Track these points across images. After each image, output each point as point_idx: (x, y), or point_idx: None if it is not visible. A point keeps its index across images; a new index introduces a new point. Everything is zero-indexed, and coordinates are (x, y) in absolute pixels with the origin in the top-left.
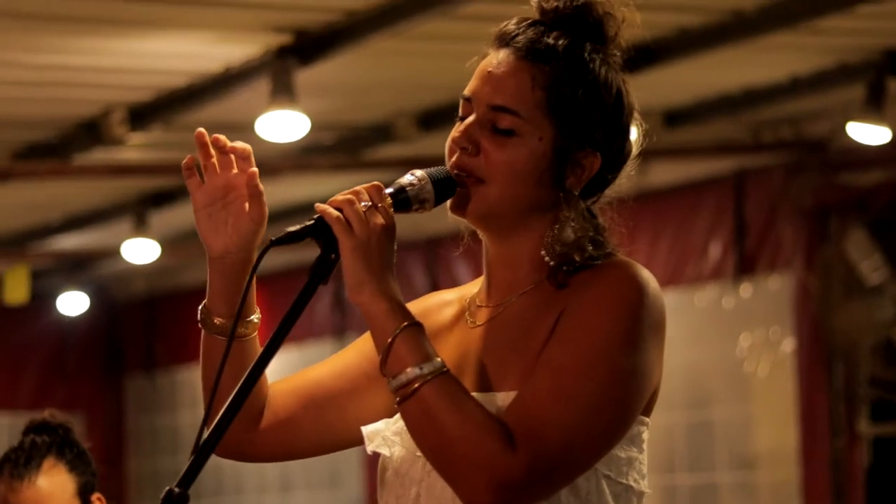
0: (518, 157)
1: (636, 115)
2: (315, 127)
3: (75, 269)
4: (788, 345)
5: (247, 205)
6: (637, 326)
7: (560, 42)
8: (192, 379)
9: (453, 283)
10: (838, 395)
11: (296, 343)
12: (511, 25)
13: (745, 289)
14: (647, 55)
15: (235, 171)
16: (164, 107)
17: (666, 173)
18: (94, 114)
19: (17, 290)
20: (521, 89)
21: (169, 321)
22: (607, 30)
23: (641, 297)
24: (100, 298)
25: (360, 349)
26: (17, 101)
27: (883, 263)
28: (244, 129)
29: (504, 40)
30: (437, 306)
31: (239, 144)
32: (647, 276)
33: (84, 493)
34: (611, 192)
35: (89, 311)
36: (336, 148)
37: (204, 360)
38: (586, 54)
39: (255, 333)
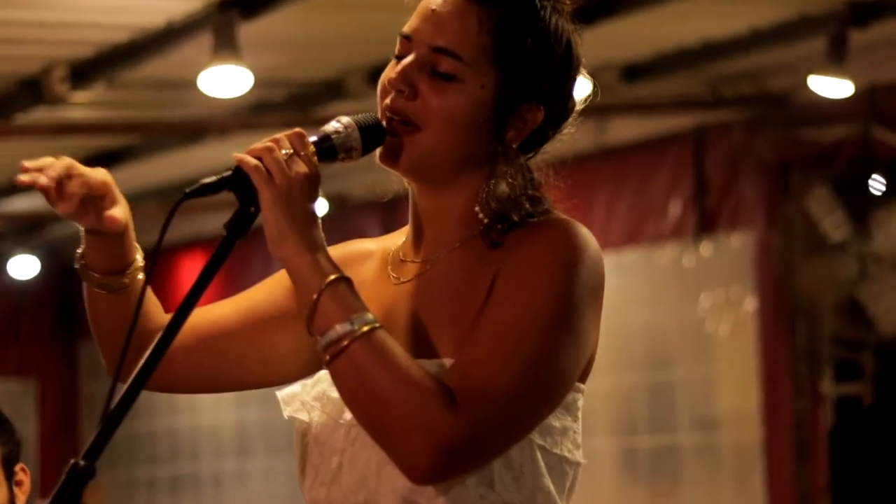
0: (457, 104)
1: (583, 69)
2: (264, 84)
3: (25, 232)
4: (750, 304)
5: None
6: (576, 288)
7: None
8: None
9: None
10: (801, 355)
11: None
12: None
13: (706, 247)
14: (605, 7)
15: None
16: (105, 63)
17: (625, 130)
18: (34, 71)
19: None
20: (466, 32)
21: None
22: None
23: (581, 257)
24: (51, 262)
25: (265, 289)
26: None
27: (846, 220)
28: (188, 85)
29: None
30: (357, 256)
31: (39, 164)
32: (587, 235)
33: (7, 464)
34: (549, 148)
35: (41, 275)
36: (286, 105)
37: (89, 312)
38: (535, 1)
39: (141, 275)
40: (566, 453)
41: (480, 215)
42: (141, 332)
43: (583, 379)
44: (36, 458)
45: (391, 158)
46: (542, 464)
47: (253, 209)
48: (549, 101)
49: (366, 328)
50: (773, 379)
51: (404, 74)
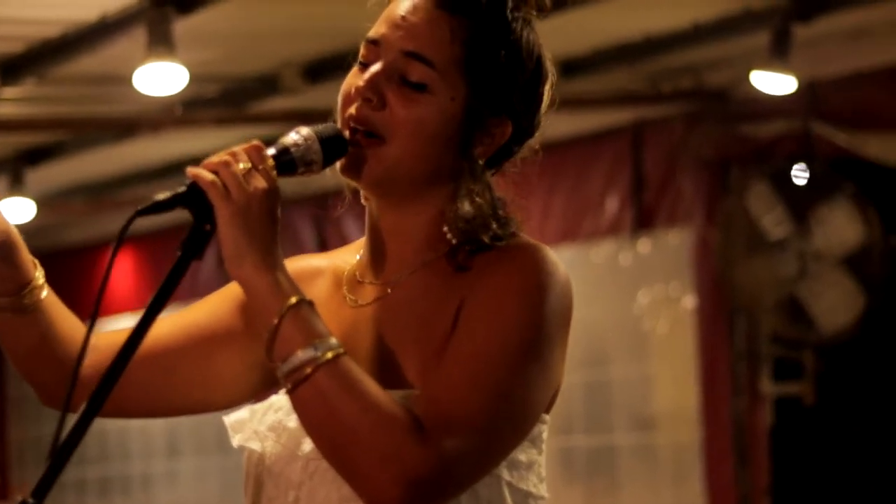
0: (427, 117)
1: (550, 84)
2: (197, 79)
3: None
4: (688, 301)
5: None
6: (546, 317)
7: None
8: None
9: (343, 241)
10: (740, 354)
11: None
12: None
13: (644, 244)
14: (539, 4)
15: None
16: (36, 58)
17: (562, 124)
18: None
19: None
20: (438, 40)
21: (50, 280)
22: None
23: (551, 285)
24: None
25: (210, 307)
26: None
27: (786, 217)
28: (121, 81)
29: None
30: (307, 274)
31: None
32: (555, 262)
33: None
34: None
35: None
36: (219, 101)
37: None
38: (509, 12)
39: (46, 292)
40: (532, 488)
41: (448, 235)
42: (58, 351)
43: (548, 410)
44: None
45: (354, 171)
46: (509, 500)
47: (209, 227)
48: (518, 116)
49: (330, 354)
50: (711, 378)
51: (372, 82)
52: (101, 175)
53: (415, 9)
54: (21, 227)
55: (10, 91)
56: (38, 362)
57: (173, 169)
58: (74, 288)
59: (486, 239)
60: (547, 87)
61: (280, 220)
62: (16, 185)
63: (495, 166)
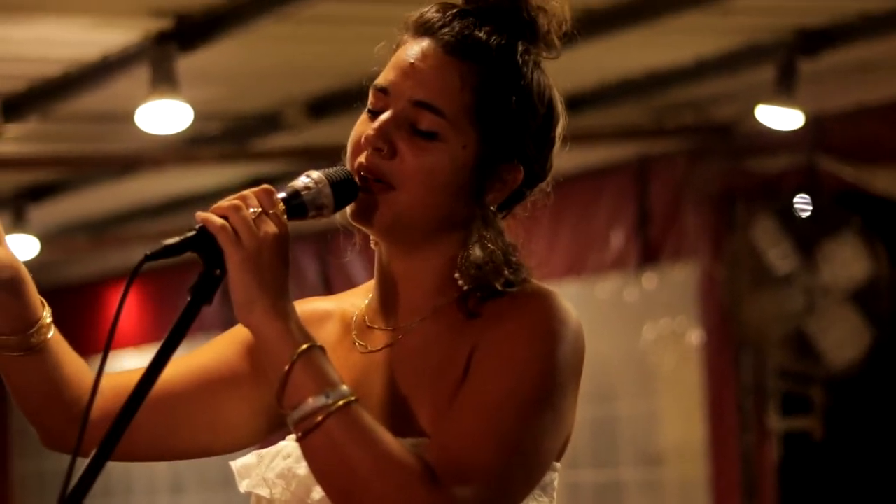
0: (438, 165)
1: (562, 126)
2: (200, 116)
3: None
4: (695, 337)
5: None
6: (558, 365)
7: (493, 39)
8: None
9: (347, 279)
10: (747, 389)
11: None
12: (434, 13)
13: (649, 279)
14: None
15: None
16: (38, 97)
17: (566, 159)
18: None
19: None
20: (448, 87)
21: (56, 315)
22: (539, 27)
23: (563, 333)
24: None
25: (217, 350)
26: None
27: (792, 252)
28: (124, 119)
29: (427, 29)
30: (315, 319)
31: None
32: (568, 310)
33: None
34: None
35: None
36: (222, 138)
37: (4, 380)
38: (519, 56)
39: (53, 332)
40: None
41: (460, 282)
42: (63, 393)
43: (559, 458)
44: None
45: (365, 218)
46: None
47: (219, 272)
48: (530, 161)
49: (342, 402)
50: (718, 413)
51: (382, 131)
52: (103, 211)
53: (424, 55)
54: (27, 263)
55: (13, 129)
56: (42, 403)
57: (176, 205)
58: (78, 324)
59: (497, 286)
60: (559, 130)
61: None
62: (18, 222)
63: (506, 210)
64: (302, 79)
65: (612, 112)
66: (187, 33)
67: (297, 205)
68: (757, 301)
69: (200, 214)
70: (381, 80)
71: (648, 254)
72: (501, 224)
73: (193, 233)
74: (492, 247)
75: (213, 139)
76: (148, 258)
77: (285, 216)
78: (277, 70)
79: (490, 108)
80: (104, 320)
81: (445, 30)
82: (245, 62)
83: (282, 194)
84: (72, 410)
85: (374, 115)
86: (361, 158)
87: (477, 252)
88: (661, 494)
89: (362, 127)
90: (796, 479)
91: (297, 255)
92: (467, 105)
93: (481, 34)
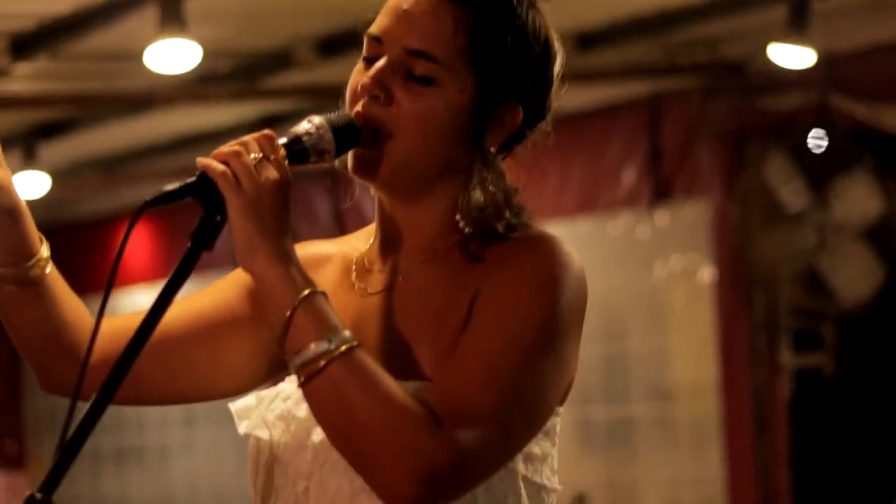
0: (435, 110)
1: (559, 64)
2: (209, 54)
3: None
4: (706, 274)
5: None
6: (560, 310)
7: None
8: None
9: (360, 217)
10: (759, 326)
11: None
12: None
13: (661, 216)
14: None
15: None
16: (48, 35)
17: (578, 97)
18: None
19: None
20: (441, 32)
21: (66, 253)
22: None
23: (565, 278)
24: None
25: (218, 292)
26: None
27: (804, 189)
28: (133, 57)
29: None
30: (316, 261)
31: None
32: (570, 254)
33: None
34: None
35: None
36: (233, 76)
37: (3, 319)
38: None
39: (50, 267)
40: (545, 481)
41: (461, 224)
42: (63, 334)
43: (562, 402)
44: None
45: (366, 172)
46: (524, 493)
47: (219, 218)
48: (528, 100)
49: (344, 347)
50: (730, 350)
51: (378, 79)
52: (114, 149)
53: (416, 0)
54: (36, 201)
55: (23, 67)
56: (41, 346)
57: (188, 142)
58: (89, 260)
59: (499, 228)
60: (556, 69)
61: (292, 208)
62: (29, 160)
63: (507, 151)
64: (311, 17)
65: (623, 50)
66: None
67: (299, 150)
68: (769, 238)
69: (201, 160)
70: (374, 28)
71: (660, 191)
72: (502, 166)
73: (194, 179)
74: (493, 189)
75: (224, 77)
76: (147, 204)
77: (286, 161)
78: (286, 8)
79: (485, 50)
80: (113, 257)
81: None
82: (254, 0)
83: (283, 140)
84: (71, 354)
85: (369, 62)
86: (359, 107)
87: (478, 194)
88: (672, 431)
89: (359, 75)
90: (807, 416)
91: (308, 194)
92: (462, 48)
93: None
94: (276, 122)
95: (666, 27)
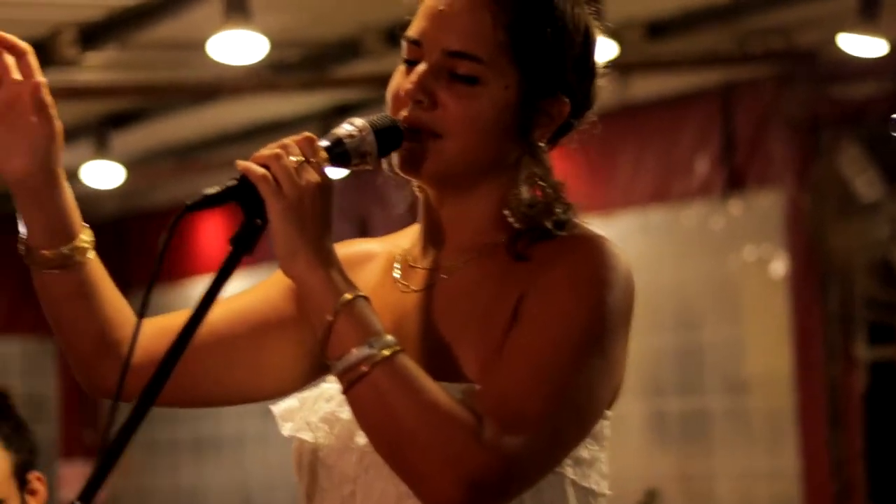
0: (482, 109)
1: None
2: (278, 44)
3: None
4: (781, 264)
5: (34, 119)
6: (609, 312)
7: None
8: (166, 300)
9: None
10: (833, 318)
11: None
12: None
13: (735, 206)
14: None
15: (16, 77)
16: (115, 26)
17: (650, 86)
18: (42, 35)
19: None
20: (480, 30)
21: (142, 242)
22: None
23: (614, 279)
24: None
25: (262, 292)
26: None
27: (878, 180)
28: (200, 46)
29: None
30: (359, 258)
31: (13, 40)
32: (618, 255)
33: (21, 473)
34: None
35: None
36: (302, 65)
37: (45, 307)
38: None
39: (92, 253)
40: (594, 485)
41: (510, 219)
42: (106, 336)
43: (610, 406)
44: (56, 417)
45: (413, 167)
46: (572, 498)
47: (260, 221)
48: (573, 91)
49: (386, 352)
50: (805, 342)
51: (421, 84)
52: (186, 138)
53: (452, 0)
54: (110, 191)
55: (92, 57)
56: (85, 342)
57: (259, 131)
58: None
59: (548, 224)
60: (598, 57)
61: (334, 210)
62: (102, 149)
63: (555, 143)
64: (379, 5)
65: (695, 38)
66: None
67: (340, 153)
68: (843, 229)
69: (241, 163)
70: (412, 31)
71: (734, 181)
72: (549, 161)
73: (234, 182)
74: (543, 183)
75: (293, 66)
76: (188, 209)
77: (328, 164)
78: None
79: (526, 44)
80: (188, 246)
81: None
82: None
83: (324, 142)
84: (116, 353)
85: (410, 65)
86: (404, 112)
87: (527, 190)
88: (747, 423)
89: (400, 79)
90: (883, 408)
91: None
92: (503, 44)
93: None
94: (346, 111)
95: (738, 15)
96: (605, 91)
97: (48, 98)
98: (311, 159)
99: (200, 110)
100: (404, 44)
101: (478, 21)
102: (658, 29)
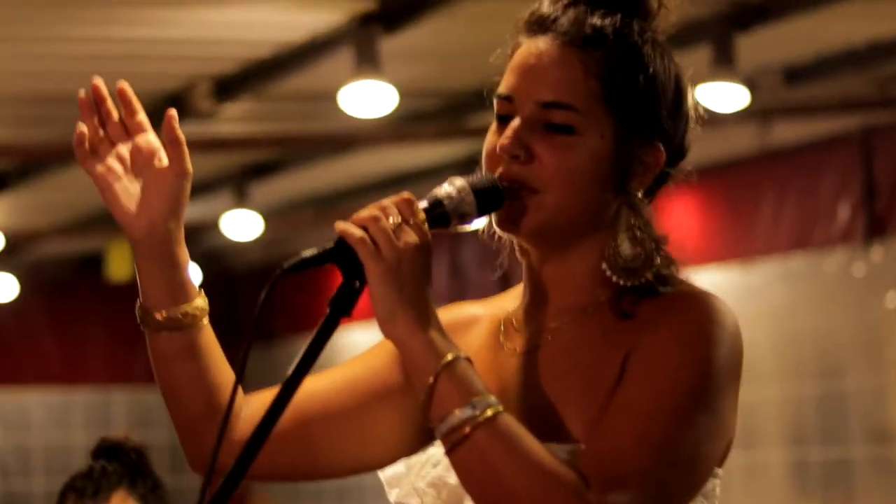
0: (579, 160)
1: (693, 100)
2: (410, 94)
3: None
4: None
5: (164, 159)
6: (717, 369)
7: (608, 22)
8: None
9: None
10: None
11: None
12: (545, 7)
13: (877, 252)
14: (762, 11)
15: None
16: (249, 78)
17: (789, 132)
18: (177, 87)
19: (121, 266)
20: (573, 80)
21: (285, 291)
22: (650, 3)
23: (722, 336)
24: (213, 270)
25: (367, 362)
26: (98, 76)
27: None
28: (332, 97)
29: (541, 26)
30: (464, 323)
31: (122, 86)
32: (725, 311)
33: None
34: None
35: (204, 284)
36: (438, 115)
37: (157, 372)
38: (637, 35)
39: (205, 320)
40: None
41: (608, 273)
42: (215, 405)
43: (720, 463)
44: (169, 468)
45: (512, 224)
46: None
47: (358, 284)
48: (669, 138)
49: (490, 412)
50: None
51: (516, 137)
52: (323, 188)
53: (541, 53)
54: (252, 242)
55: (228, 109)
56: (194, 410)
57: (397, 181)
58: (303, 301)
59: (649, 276)
60: (691, 103)
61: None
62: (241, 200)
63: (652, 194)
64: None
65: (833, 83)
66: (392, 14)
67: (440, 214)
68: None
69: (339, 225)
70: (503, 88)
71: (875, 226)
72: (650, 212)
73: (332, 244)
74: (642, 236)
75: (429, 116)
76: (285, 272)
77: (427, 226)
78: (484, 48)
79: (619, 92)
80: (328, 295)
81: (561, 21)
82: (451, 41)
83: (423, 203)
84: (219, 420)
85: (502, 121)
86: (501, 168)
87: (626, 243)
88: (890, 472)
89: (493, 137)
90: None
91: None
92: (596, 94)
93: (595, 20)
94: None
95: (877, 59)
96: (745, 137)
97: (180, 133)
98: (410, 220)
99: (337, 160)
100: (496, 101)
101: (569, 71)
102: (794, 74)
